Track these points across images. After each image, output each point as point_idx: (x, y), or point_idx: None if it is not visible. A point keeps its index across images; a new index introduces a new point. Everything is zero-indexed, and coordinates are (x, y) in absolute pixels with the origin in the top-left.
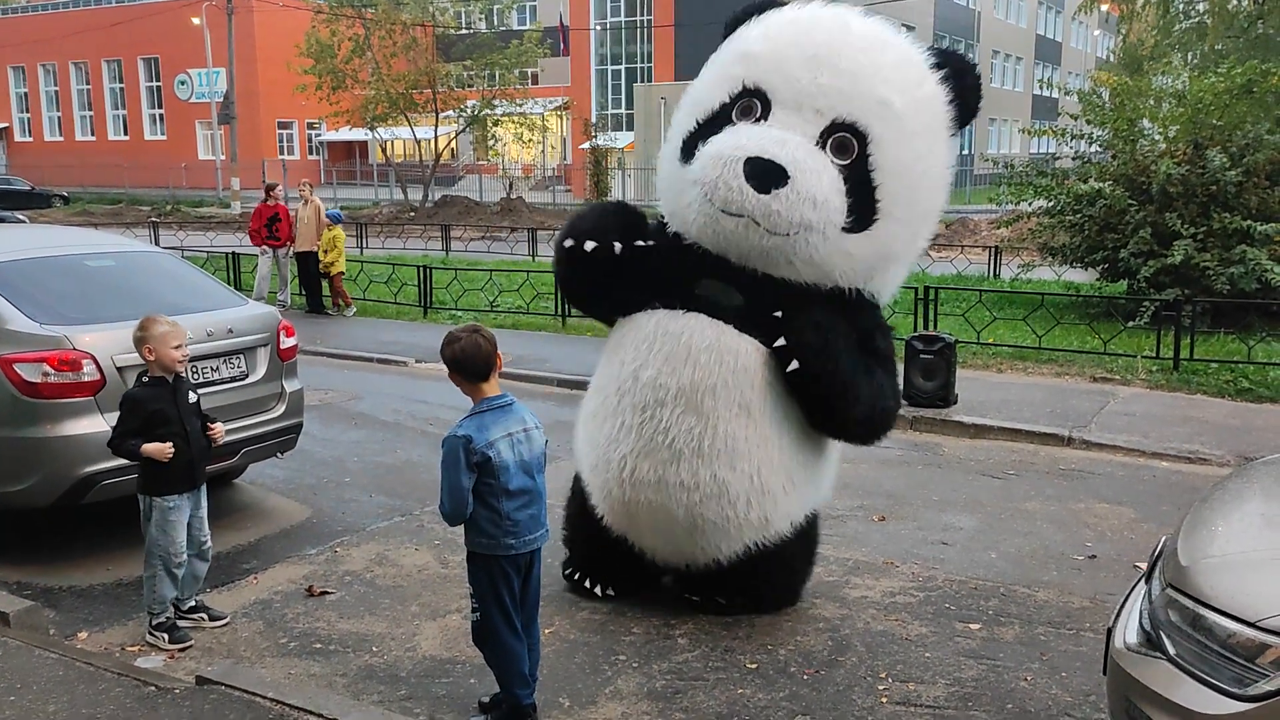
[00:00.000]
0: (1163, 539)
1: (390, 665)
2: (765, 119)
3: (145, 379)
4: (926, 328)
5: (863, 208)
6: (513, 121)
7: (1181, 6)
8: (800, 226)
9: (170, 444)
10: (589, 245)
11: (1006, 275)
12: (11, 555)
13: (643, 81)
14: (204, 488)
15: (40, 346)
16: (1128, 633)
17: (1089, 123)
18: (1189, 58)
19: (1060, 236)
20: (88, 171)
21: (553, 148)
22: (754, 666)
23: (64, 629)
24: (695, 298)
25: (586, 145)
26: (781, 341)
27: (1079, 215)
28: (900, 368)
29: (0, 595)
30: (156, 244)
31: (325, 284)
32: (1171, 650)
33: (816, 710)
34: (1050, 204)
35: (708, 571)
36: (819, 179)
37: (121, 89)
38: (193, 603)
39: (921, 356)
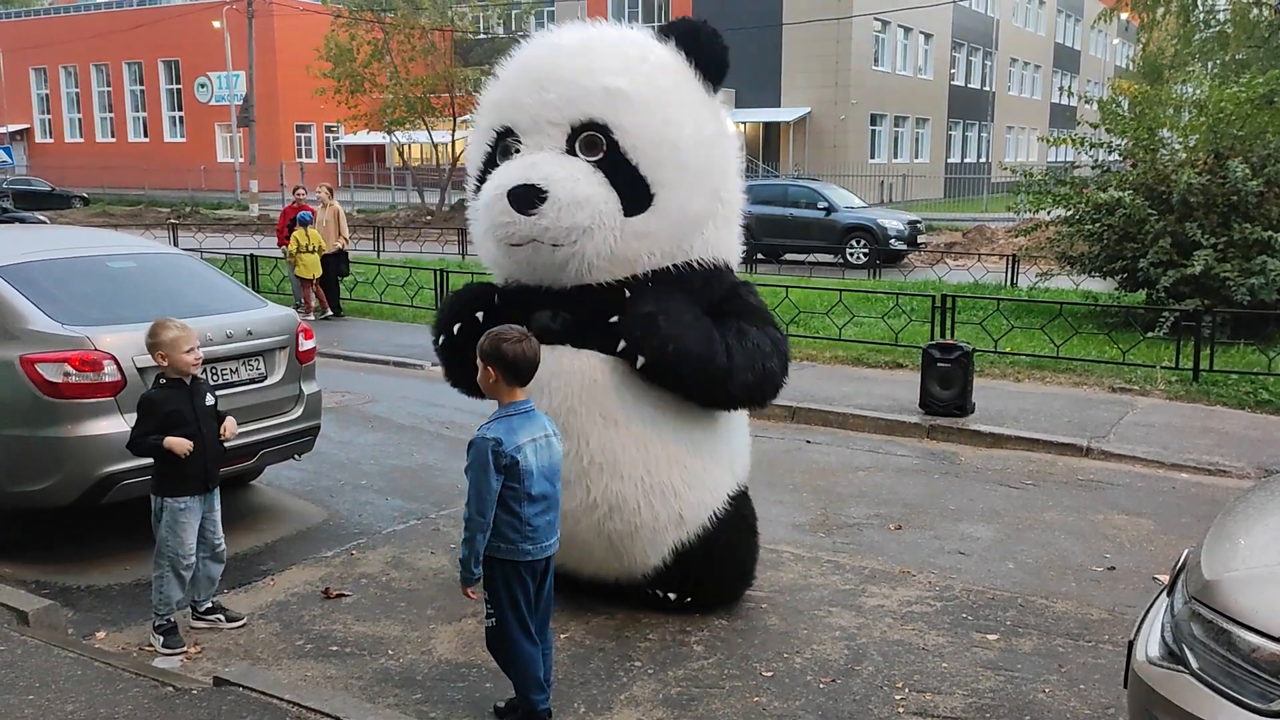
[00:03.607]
0: (1185, 551)
1: (406, 669)
2: (519, 151)
3: (162, 381)
4: (943, 336)
5: (635, 188)
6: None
7: (1202, 16)
8: (576, 230)
9: (191, 441)
10: (455, 328)
11: (1024, 284)
12: (30, 554)
13: None
14: (217, 490)
15: (62, 347)
16: (1149, 646)
17: (1109, 131)
18: (1209, 67)
19: (1079, 245)
20: (108, 173)
21: None
22: (770, 674)
23: (82, 628)
24: (533, 332)
25: None
26: (623, 345)
27: (1098, 224)
28: (917, 376)
29: (19, 594)
30: (175, 245)
31: (292, 285)
32: (1194, 664)
33: (833, 719)
34: (1069, 213)
35: (649, 582)
36: (575, 182)
37: (142, 91)
38: (209, 604)
39: (938, 365)
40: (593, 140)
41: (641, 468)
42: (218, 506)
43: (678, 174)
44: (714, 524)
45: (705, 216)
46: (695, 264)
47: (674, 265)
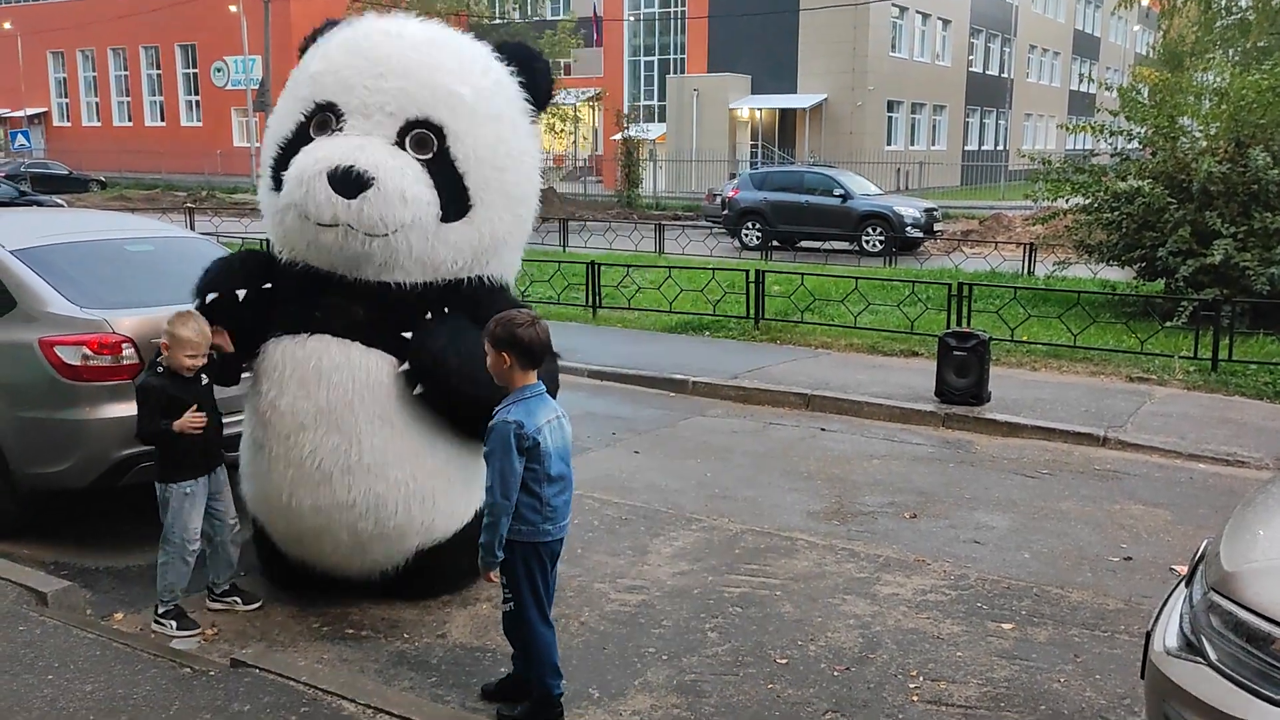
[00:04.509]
0: (1204, 542)
1: (421, 652)
2: (341, 130)
3: (159, 369)
4: (960, 324)
5: (456, 197)
6: (545, 112)
7: (1224, 2)
8: (397, 224)
9: (203, 414)
10: (210, 297)
11: (1041, 272)
12: (49, 536)
13: (675, 73)
14: (223, 469)
15: (80, 330)
16: (1167, 636)
17: (1129, 119)
18: (1230, 54)
19: (1097, 234)
20: (124, 157)
21: (584, 139)
22: (784, 662)
23: (100, 609)
24: (318, 320)
25: (618, 136)
26: (406, 366)
27: (1117, 213)
28: (933, 365)
29: (38, 575)
30: (192, 229)
31: None
32: (1212, 655)
33: (847, 707)
34: (1088, 201)
35: (385, 580)
36: (403, 176)
37: (159, 75)
38: (226, 586)
39: (955, 353)
40: (423, 139)
41: (408, 473)
42: (225, 485)
43: (496, 194)
44: (459, 534)
45: (506, 238)
46: (486, 280)
47: (468, 279)
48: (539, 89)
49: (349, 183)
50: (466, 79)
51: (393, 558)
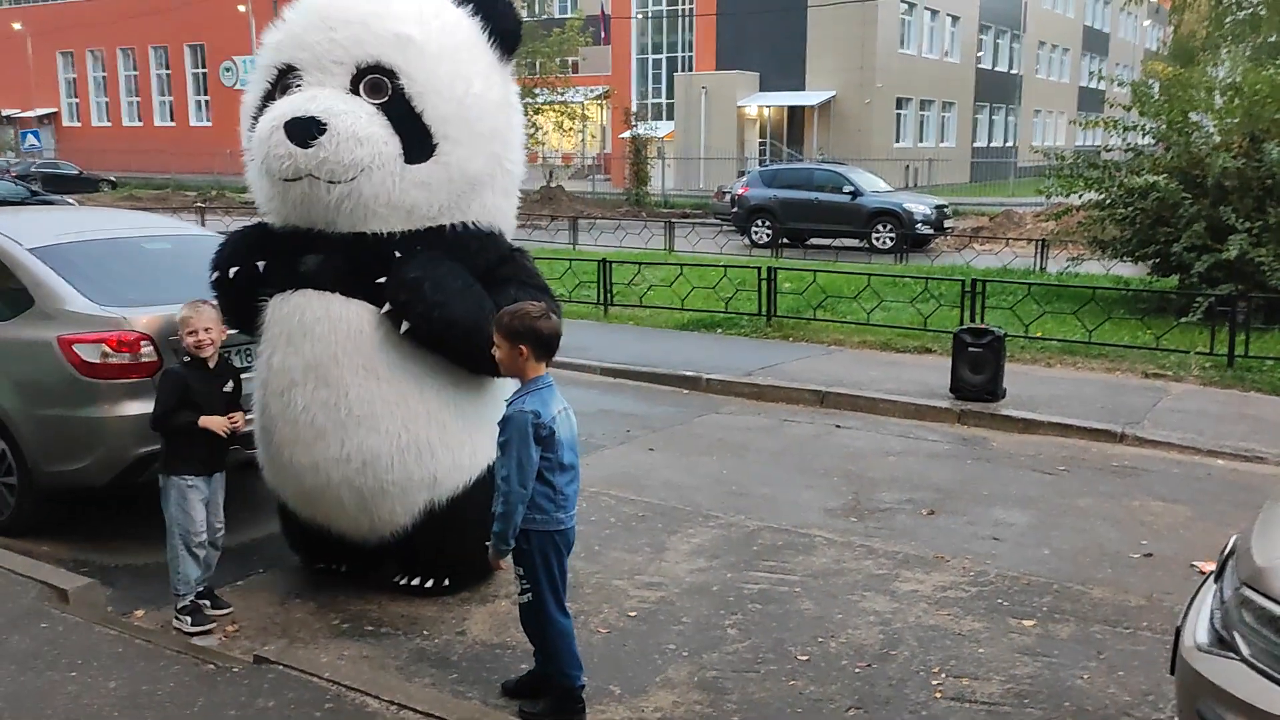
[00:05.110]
0: (1233, 537)
1: (441, 649)
2: (300, 88)
3: (185, 359)
4: (974, 320)
5: (417, 137)
6: (553, 110)
7: None
8: (355, 167)
9: (234, 418)
10: (232, 271)
11: (1053, 269)
12: (69, 533)
13: (684, 71)
14: (221, 475)
15: (99, 327)
16: (1198, 632)
17: (1142, 114)
18: (1242, 49)
19: (1110, 230)
20: (134, 157)
21: (593, 136)
22: (805, 658)
23: (121, 606)
24: (301, 276)
25: (626, 134)
26: (388, 306)
27: (1130, 208)
28: (946, 361)
29: (59, 572)
30: (204, 228)
31: None
32: (1245, 650)
33: (870, 704)
34: (1101, 196)
35: (398, 543)
36: (356, 118)
37: (168, 75)
38: (200, 588)
39: (970, 349)
40: (377, 83)
41: (399, 423)
42: (221, 491)
43: (461, 129)
44: (468, 490)
45: (485, 178)
46: (471, 225)
47: (450, 225)
48: (504, 29)
49: (302, 131)
50: (415, 21)
51: (399, 517)
